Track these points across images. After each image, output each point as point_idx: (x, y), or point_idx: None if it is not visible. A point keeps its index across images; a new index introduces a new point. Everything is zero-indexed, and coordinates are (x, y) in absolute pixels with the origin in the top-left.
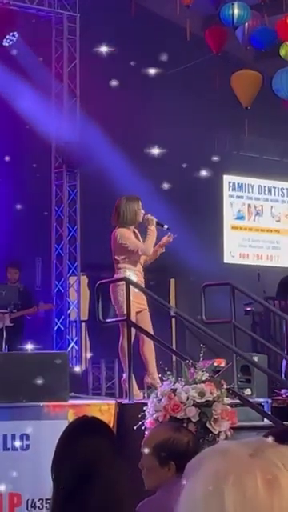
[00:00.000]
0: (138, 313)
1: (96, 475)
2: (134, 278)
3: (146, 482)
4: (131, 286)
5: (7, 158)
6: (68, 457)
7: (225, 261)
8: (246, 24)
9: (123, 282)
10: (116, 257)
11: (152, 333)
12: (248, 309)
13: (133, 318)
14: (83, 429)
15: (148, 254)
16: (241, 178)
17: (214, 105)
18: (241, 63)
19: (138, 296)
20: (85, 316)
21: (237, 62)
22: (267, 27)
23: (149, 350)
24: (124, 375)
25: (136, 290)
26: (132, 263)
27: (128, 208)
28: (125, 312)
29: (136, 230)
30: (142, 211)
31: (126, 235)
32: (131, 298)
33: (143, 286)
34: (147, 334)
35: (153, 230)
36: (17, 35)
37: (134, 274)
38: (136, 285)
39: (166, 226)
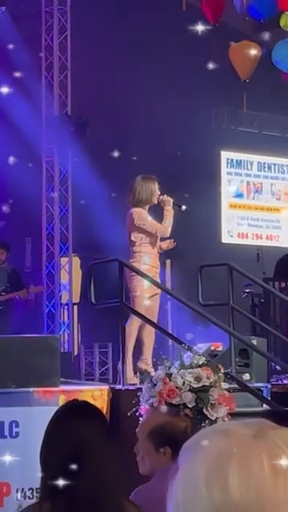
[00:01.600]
0: (150, 297)
1: (86, 461)
2: (148, 262)
3: (141, 466)
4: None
5: None
6: (57, 442)
7: (223, 241)
8: None
9: (140, 268)
10: (133, 238)
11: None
12: (247, 290)
13: (146, 301)
14: (73, 413)
15: (167, 235)
16: (239, 155)
17: (211, 78)
18: (239, 34)
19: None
20: (77, 299)
21: (235, 33)
22: None
23: (148, 334)
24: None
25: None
26: (149, 245)
27: (144, 188)
28: (135, 294)
29: None
30: (158, 192)
31: (143, 216)
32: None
33: (158, 269)
34: (144, 318)
35: (170, 210)
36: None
37: (149, 257)
38: (131, 268)
39: (183, 207)
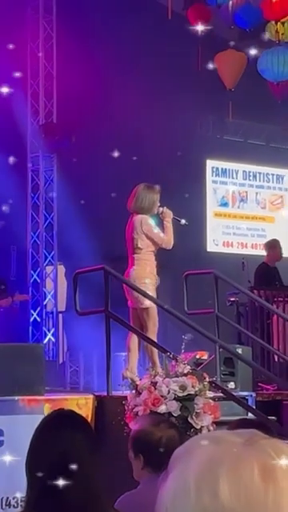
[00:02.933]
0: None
1: (72, 470)
2: (150, 270)
3: (134, 472)
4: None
5: None
6: (43, 451)
7: (208, 249)
8: (230, 2)
9: (146, 276)
10: (140, 245)
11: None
12: (232, 299)
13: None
14: (59, 422)
15: (169, 247)
16: (225, 163)
17: (197, 86)
18: (225, 43)
19: (154, 288)
20: (62, 307)
21: (221, 42)
22: (252, 5)
23: (135, 342)
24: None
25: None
26: (152, 254)
27: (148, 197)
28: (146, 305)
29: None
30: (158, 203)
31: (151, 224)
32: (152, 292)
33: (156, 277)
34: (128, 326)
35: (170, 223)
36: None
37: (151, 265)
38: (117, 277)
39: (183, 221)
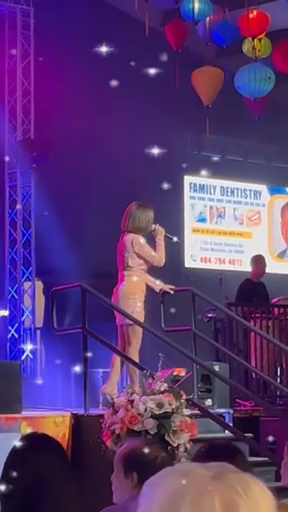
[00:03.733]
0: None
1: (45, 494)
2: (140, 287)
3: (114, 494)
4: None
5: None
6: (16, 476)
7: (186, 265)
8: (207, 19)
9: (135, 291)
10: (130, 264)
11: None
12: (209, 315)
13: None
14: (32, 446)
15: (161, 265)
16: (202, 179)
17: (174, 103)
18: (202, 60)
19: (143, 304)
20: (40, 323)
21: (198, 58)
22: (228, 22)
23: (118, 359)
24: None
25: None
26: (142, 272)
27: (144, 216)
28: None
29: None
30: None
31: (143, 244)
32: (142, 308)
33: (144, 293)
34: (105, 343)
35: (162, 241)
36: None
37: (141, 282)
38: (94, 294)
39: (175, 239)
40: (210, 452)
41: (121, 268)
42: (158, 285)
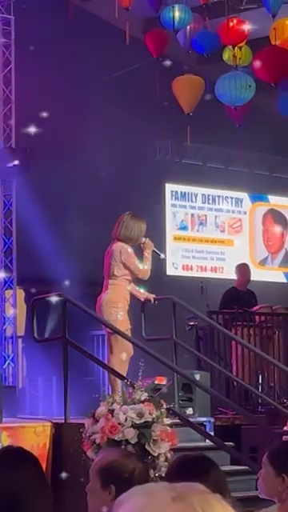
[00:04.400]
0: (125, 331)
1: (21, 509)
2: (124, 296)
3: (89, 505)
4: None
5: None
6: None
7: (168, 273)
8: (188, 27)
9: (118, 300)
10: (116, 272)
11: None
12: (191, 323)
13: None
14: (6, 461)
15: (146, 278)
16: (184, 187)
17: (155, 111)
18: (182, 68)
19: (128, 315)
20: (21, 332)
21: (178, 66)
22: (209, 31)
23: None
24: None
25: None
26: (127, 282)
27: (137, 226)
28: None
29: None
30: None
31: (131, 254)
32: (125, 317)
33: (128, 302)
34: (85, 352)
35: (150, 254)
36: None
37: (125, 291)
38: (74, 304)
39: (162, 256)
40: (182, 467)
41: (106, 276)
42: (142, 293)
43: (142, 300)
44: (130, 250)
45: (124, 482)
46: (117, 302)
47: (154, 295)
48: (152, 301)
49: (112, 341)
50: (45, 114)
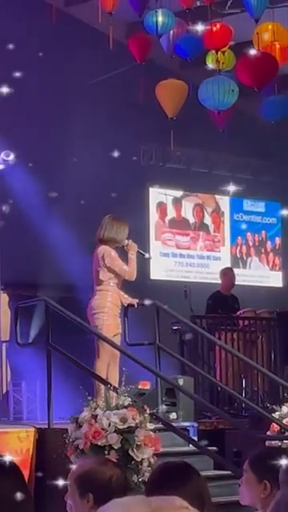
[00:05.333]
0: (113, 336)
1: None
2: (111, 300)
3: None
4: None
5: None
6: None
7: (151, 277)
8: (171, 32)
9: (104, 305)
10: (101, 277)
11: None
12: (175, 327)
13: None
14: None
15: (132, 279)
16: (168, 191)
17: (139, 115)
18: (166, 72)
19: (115, 319)
20: (6, 336)
21: (162, 71)
22: (192, 35)
23: (113, 374)
24: None
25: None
26: (115, 286)
27: (120, 228)
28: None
29: None
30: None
31: (114, 256)
32: (111, 321)
33: (119, 308)
34: (68, 357)
35: (134, 256)
36: None
37: (113, 296)
38: (57, 308)
39: (147, 255)
40: (164, 474)
41: (94, 283)
42: (126, 298)
43: (126, 305)
44: (113, 252)
45: (102, 489)
46: (103, 308)
47: (137, 300)
48: (135, 305)
49: (99, 345)
50: (27, 118)
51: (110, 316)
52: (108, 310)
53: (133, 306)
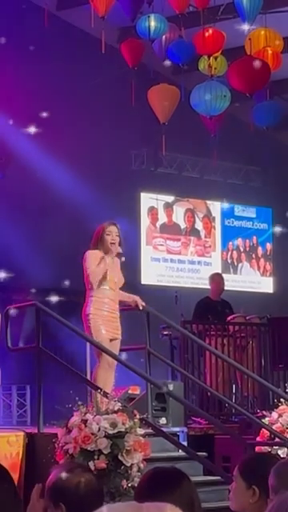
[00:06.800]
0: (111, 340)
1: None
2: (97, 306)
3: None
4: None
5: None
6: None
7: (142, 282)
8: (163, 37)
9: (94, 312)
10: (88, 284)
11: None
12: (165, 332)
13: (106, 345)
14: None
15: (94, 281)
16: (159, 196)
17: (131, 120)
18: (158, 77)
19: (111, 324)
20: None
21: (154, 75)
22: (184, 40)
23: (109, 380)
24: None
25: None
26: (101, 290)
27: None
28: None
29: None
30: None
31: (86, 258)
32: (102, 326)
33: (115, 313)
34: (59, 362)
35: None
36: None
37: (98, 302)
38: (49, 314)
39: (123, 259)
40: (153, 480)
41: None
42: (128, 296)
43: (133, 304)
44: (92, 255)
45: (71, 497)
46: (88, 315)
47: (139, 300)
48: (140, 308)
49: (97, 351)
50: (21, 121)
51: (97, 322)
52: (92, 316)
53: (137, 307)
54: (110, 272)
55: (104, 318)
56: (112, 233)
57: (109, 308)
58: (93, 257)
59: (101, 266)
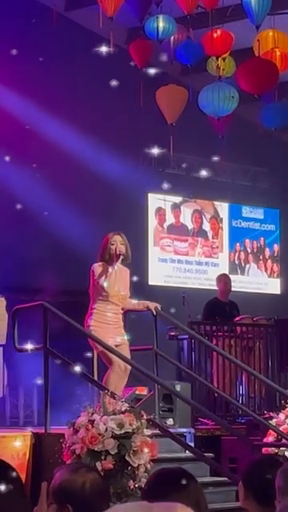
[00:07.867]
0: (116, 346)
1: None
2: (96, 318)
3: None
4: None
5: None
6: None
7: (150, 283)
8: (172, 38)
9: (94, 324)
10: (93, 295)
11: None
12: (172, 333)
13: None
14: None
15: (109, 294)
16: (166, 197)
17: (139, 120)
18: (166, 78)
19: (111, 331)
20: (3, 340)
21: (162, 76)
22: (193, 41)
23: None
24: None
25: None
26: (103, 302)
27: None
28: (98, 349)
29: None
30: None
31: (95, 271)
32: (105, 335)
33: (117, 323)
34: (67, 362)
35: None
36: None
37: (97, 314)
38: (56, 314)
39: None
40: (160, 481)
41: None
42: (138, 304)
43: (146, 309)
44: (98, 268)
45: (77, 498)
46: (94, 326)
47: (150, 303)
48: (154, 312)
49: (104, 358)
50: (27, 123)
51: (104, 332)
52: (92, 328)
53: (150, 310)
54: (116, 285)
55: (105, 329)
56: (116, 242)
57: (110, 320)
58: (98, 270)
59: (104, 279)
